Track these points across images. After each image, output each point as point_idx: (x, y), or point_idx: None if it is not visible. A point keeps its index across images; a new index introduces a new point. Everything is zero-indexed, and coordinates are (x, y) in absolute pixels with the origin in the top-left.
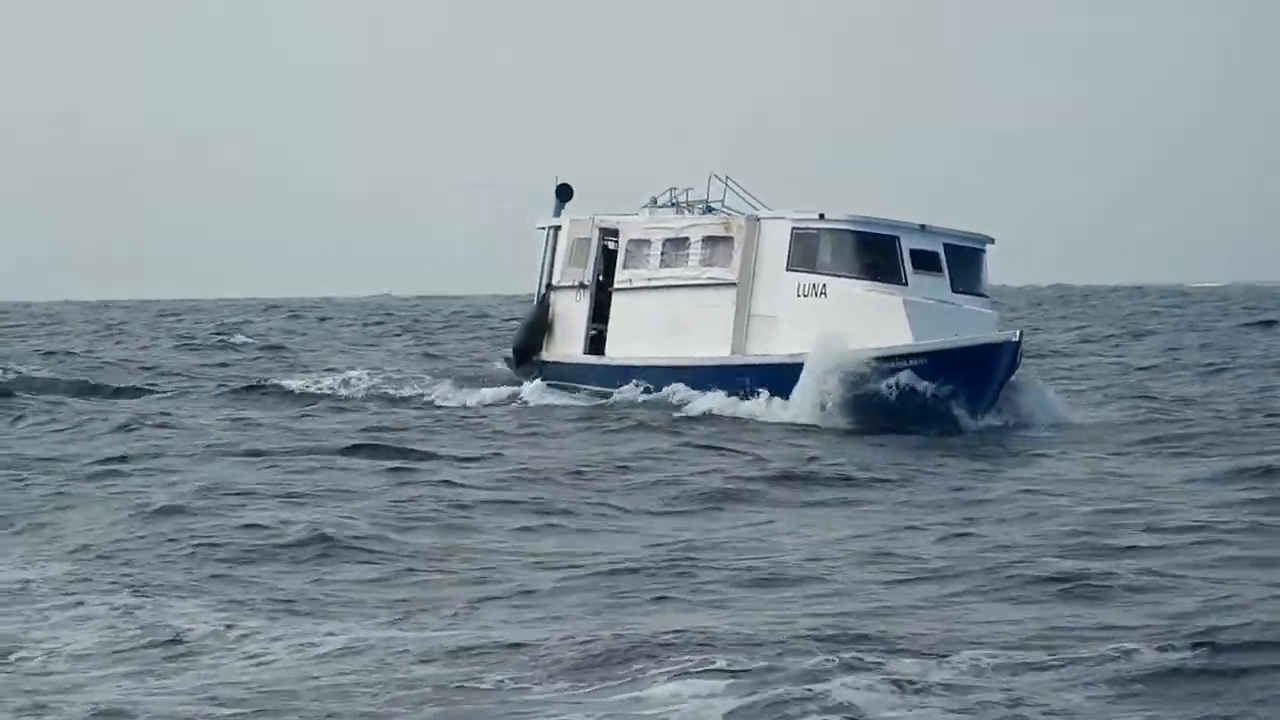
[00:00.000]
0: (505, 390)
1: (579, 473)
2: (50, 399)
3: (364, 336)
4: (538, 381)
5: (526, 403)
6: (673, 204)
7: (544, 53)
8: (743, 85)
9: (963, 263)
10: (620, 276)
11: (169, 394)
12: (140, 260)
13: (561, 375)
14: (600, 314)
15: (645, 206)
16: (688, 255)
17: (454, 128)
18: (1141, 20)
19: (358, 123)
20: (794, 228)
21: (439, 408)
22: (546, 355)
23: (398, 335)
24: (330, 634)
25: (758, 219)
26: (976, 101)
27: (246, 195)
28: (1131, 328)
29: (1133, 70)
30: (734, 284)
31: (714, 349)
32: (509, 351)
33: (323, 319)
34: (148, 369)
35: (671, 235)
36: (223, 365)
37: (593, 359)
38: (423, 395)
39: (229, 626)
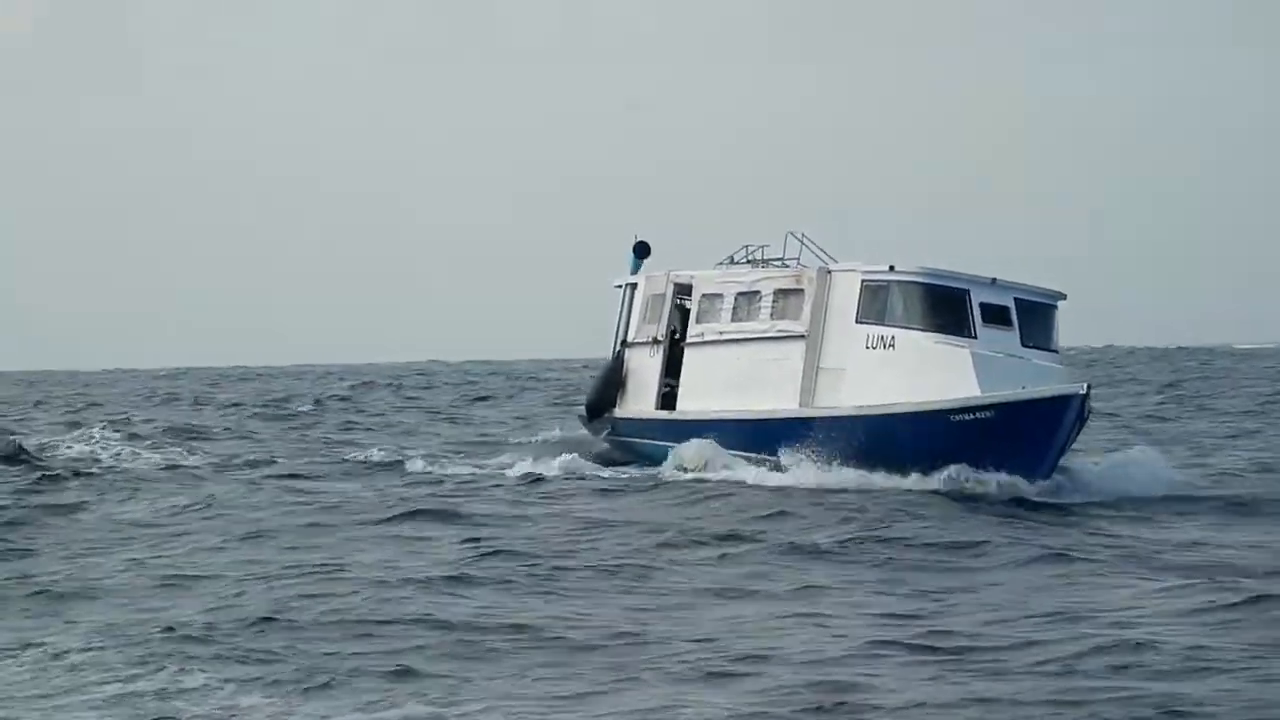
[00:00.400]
0: (564, 459)
1: (604, 539)
2: (126, 466)
3: (426, 403)
4: (568, 456)
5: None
6: (748, 261)
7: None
8: (822, 145)
9: (1033, 318)
10: (693, 331)
11: (250, 467)
12: (179, 327)
13: (632, 431)
14: (673, 369)
15: (721, 263)
16: (759, 308)
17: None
18: (1190, 81)
19: (407, 188)
20: (864, 280)
21: (492, 475)
22: (619, 411)
23: (458, 403)
24: (320, 715)
25: (829, 271)
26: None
27: (290, 262)
28: (1186, 390)
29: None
30: (803, 336)
31: (782, 402)
32: (582, 409)
33: (397, 385)
34: (239, 439)
35: (743, 289)
36: (296, 429)
37: (663, 414)
38: (480, 464)
39: (228, 713)
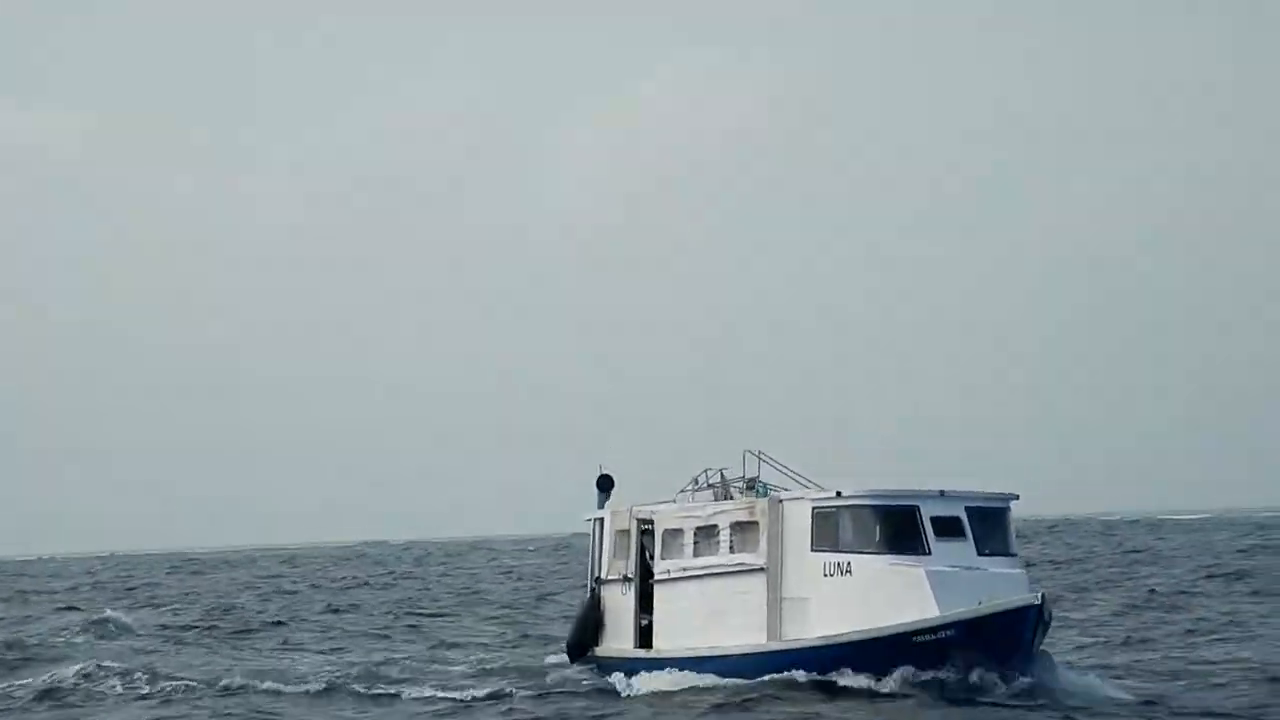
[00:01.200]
0: None
1: None
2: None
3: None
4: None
5: None
6: (709, 485)
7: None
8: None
9: (987, 524)
10: (659, 568)
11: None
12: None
13: (615, 669)
14: (647, 604)
15: (684, 490)
16: (718, 542)
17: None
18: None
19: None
20: (814, 507)
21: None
22: (600, 650)
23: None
24: None
25: (780, 501)
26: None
27: (222, 443)
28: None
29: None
30: (763, 569)
31: (751, 636)
32: (563, 648)
33: (364, 584)
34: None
35: (701, 523)
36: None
37: (642, 653)
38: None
39: None
